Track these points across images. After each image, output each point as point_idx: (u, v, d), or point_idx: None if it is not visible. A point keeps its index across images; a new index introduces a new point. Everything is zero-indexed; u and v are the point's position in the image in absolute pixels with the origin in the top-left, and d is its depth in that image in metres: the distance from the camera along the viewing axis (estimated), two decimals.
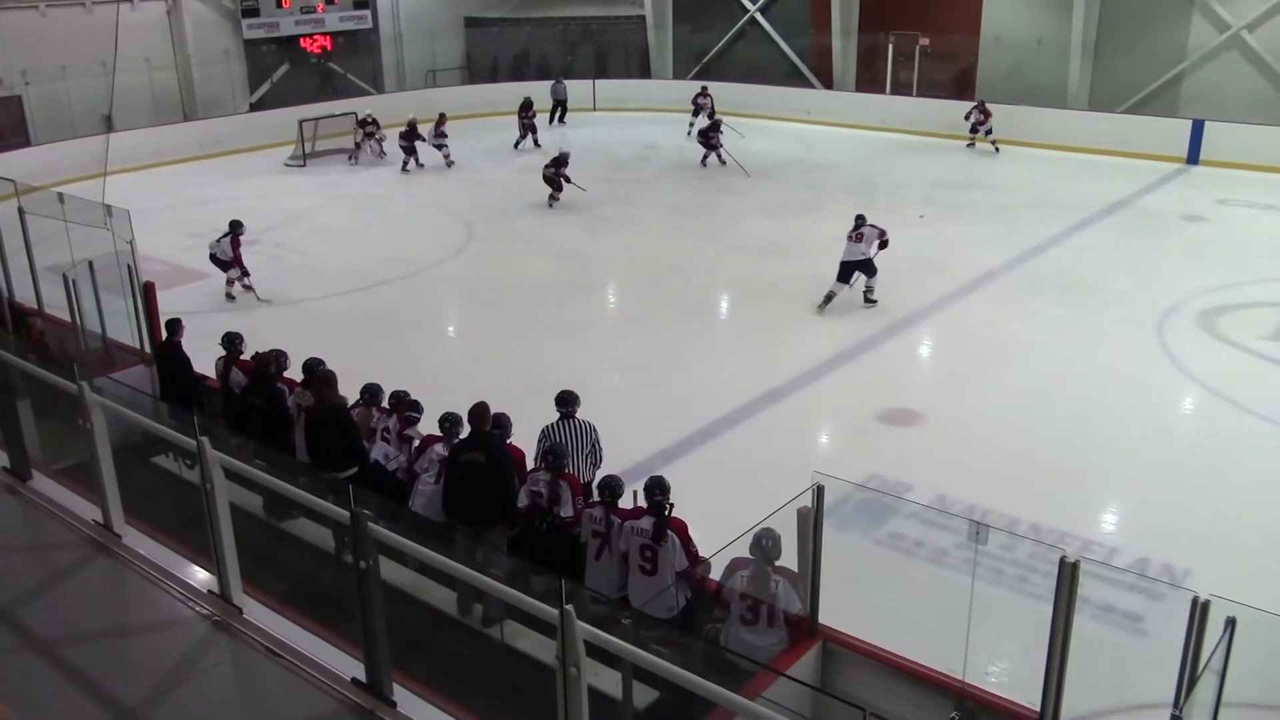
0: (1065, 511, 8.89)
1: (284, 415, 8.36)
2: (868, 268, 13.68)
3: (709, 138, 22.82)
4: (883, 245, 13.74)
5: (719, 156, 22.58)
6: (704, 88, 27.05)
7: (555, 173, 19.40)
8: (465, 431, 7.28)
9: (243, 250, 14.76)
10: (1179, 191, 20.19)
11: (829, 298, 13.68)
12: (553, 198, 19.49)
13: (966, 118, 23.90)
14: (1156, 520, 8.95)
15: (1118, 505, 9.43)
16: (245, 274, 14.81)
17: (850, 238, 13.66)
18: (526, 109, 25.30)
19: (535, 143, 25.05)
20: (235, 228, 14.79)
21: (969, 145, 23.99)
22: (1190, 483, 9.48)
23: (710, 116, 25.26)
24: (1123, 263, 15.79)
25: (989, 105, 23.85)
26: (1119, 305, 13.81)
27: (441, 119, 23.39)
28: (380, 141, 24.12)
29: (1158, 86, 23.99)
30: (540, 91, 27.81)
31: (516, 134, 25.13)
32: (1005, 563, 7.93)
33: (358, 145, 24.05)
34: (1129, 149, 22.64)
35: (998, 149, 23.75)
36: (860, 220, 13.74)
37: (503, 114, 27.72)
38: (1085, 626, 5.31)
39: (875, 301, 13.88)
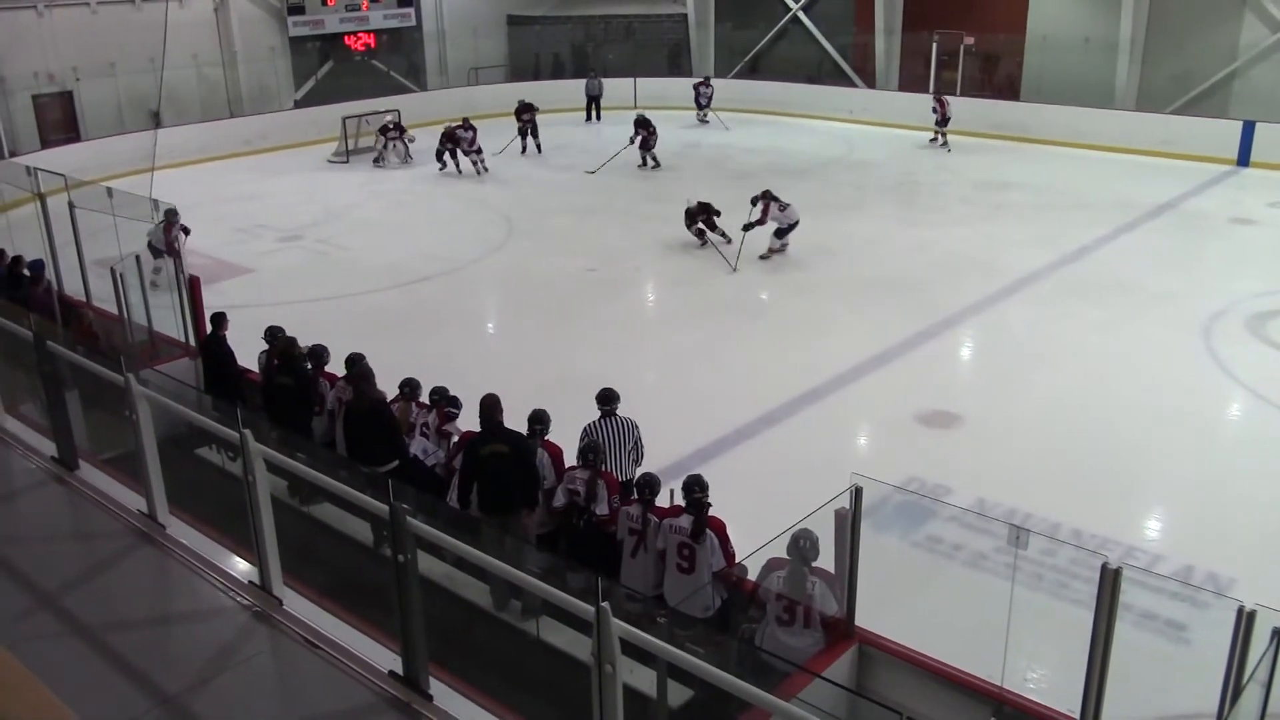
0: (1107, 517, 8.77)
1: (310, 397, 8.61)
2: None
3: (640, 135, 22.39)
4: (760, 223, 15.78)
5: (645, 158, 22.43)
6: (706, 78, 27.36)
7: (697, 215, 16.77)
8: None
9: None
10: (1228, 194, 19.85)
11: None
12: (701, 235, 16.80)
13: (934, 112, 24.02)
14: (1201, 528, 8.81)
15: (1162, 512, 9.30)
16: (164, 259, 13.26)
17: (785, 207, 15.70)
18: (524, 111, 24.43)
19: (537, 147, 24.25)
20: (170, 217, 13.52)
21: (937, 143, 24.05)
22: (1237, 490, 9.31)
23: (706, 105, 26.63)
24: (1169, 265, 15.56)
25: (947, 97, 24.06)
26: (1164, 308, 13.60)
27: (466, 125, 22.80)
28: (409, 143, 23.78)
29: (1208, 87, 23.58)
30: (575, 89, 28.02)
31: (553, 131, 24.68)
32: (1045, 568, 7.84)
33: (382, 149, 23.76)
34: (1177, 150, 22.29)
35: (945, 145, 23.91)
36: (772, 193, 15.82)
37: (545, 111, 27.85)
38: (1127, 634, 5.23)
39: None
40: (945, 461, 9.78)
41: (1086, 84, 24.59)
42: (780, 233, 16.01)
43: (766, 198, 15.85)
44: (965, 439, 10.37)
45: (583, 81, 28.64)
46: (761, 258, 15.90)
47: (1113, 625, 4.60)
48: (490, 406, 7.09)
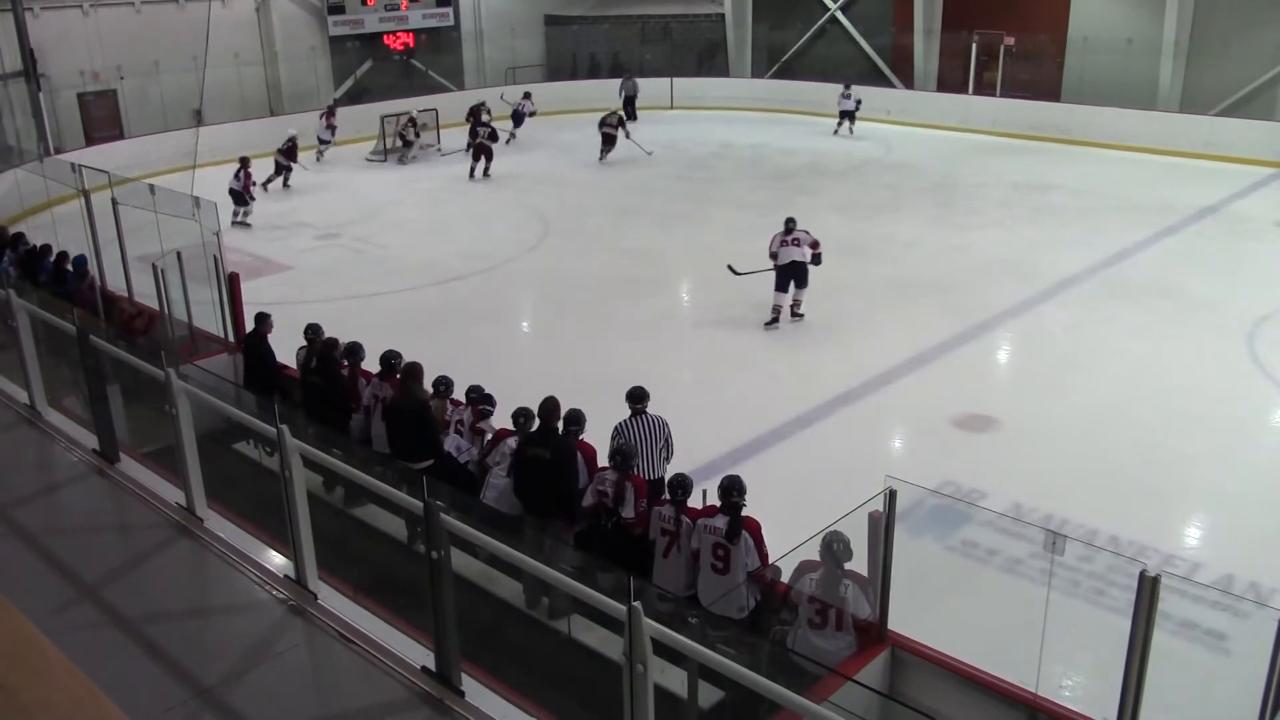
0: (1146, 524, 8.66)
1: (342, 397, 8.64)
2: (803, 278, 13.06)
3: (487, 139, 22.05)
4: (815, 260, 12.99)
5: (484, 169, 22.13)
6: (527, 93, 26.33)
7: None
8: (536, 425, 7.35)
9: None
10: (1274, 197, 19.53)
11: (777, 313, 13.17)
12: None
13: (858, 104, 25.27)
14: (1242, 536, 8.66)
15: (1202, 519, 9.16)
16: (250, 199, 18.56)
17: (785, 242, 12.93)
18: (475, 115, 23.11)
19: (485, 170, 22.68)
20: (244, 163, 18.44)
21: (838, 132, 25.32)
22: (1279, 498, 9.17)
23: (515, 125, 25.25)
24: (1212, 269, 15.34)
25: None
26: (1207, 313, 13.40)
27: (330, 112, 23.72)
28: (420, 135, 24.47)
29: (1253, 88, 23.22)
30: (613, 89, 28.07)
31: (591, 131, 24.13)
32: (1082, 574, 7.75)
33: (408, 143, 24.17)
34: (1222, 153, 21.97)
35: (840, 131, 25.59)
36: (791, 223, 13.11)
37: (580, 111, 27.97)
38: (1165, 643, 5.17)
39: (803, 316, 13.33)
40: (981, 465, 9.70)
41: (1129, 85, 24.30)
42: (784, 278, 12.96)
43: (787, 225, 13.19)
44: (1002, 443, 10.28)
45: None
46: (767, 325, 13.18)
47: (1150, 633, 4.53)
48: (548, 410, 7.19)
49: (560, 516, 7.16)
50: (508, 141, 24.65)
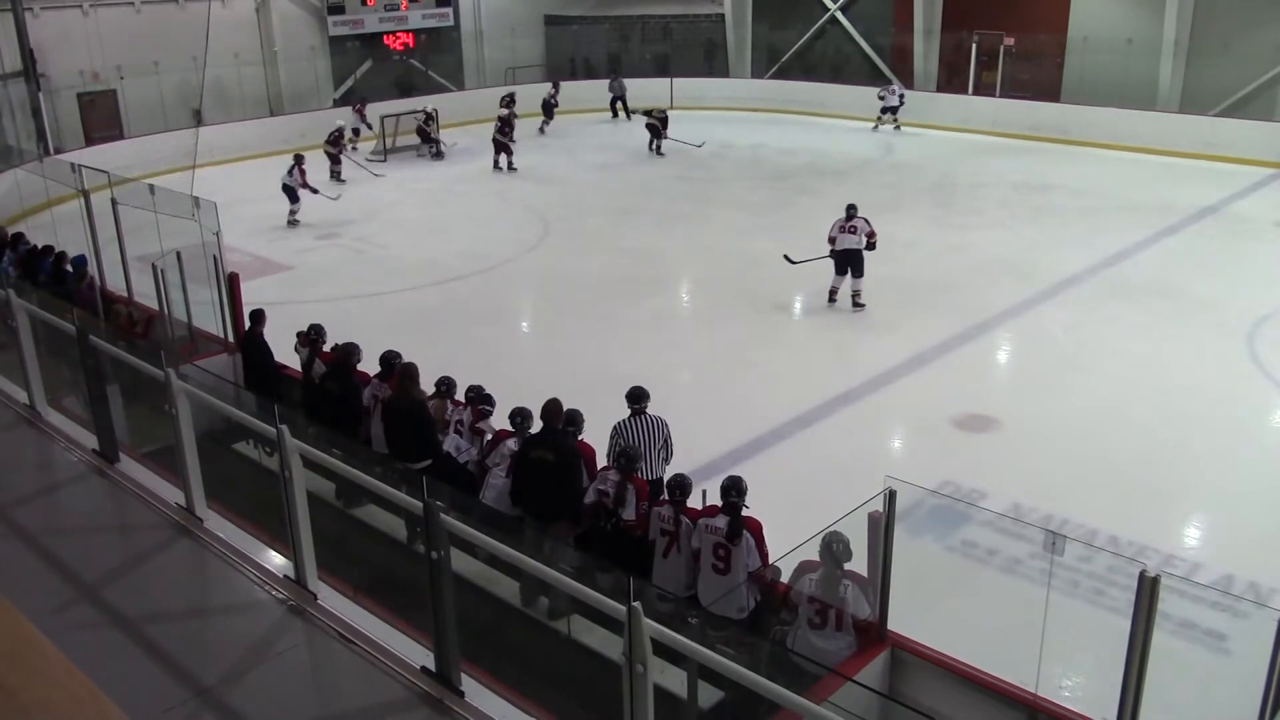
0: (1146, 523, 8.66)
1: (358, 404, 8.55)
2: (858, 266, 13.36)
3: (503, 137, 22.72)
4: (870, 246, 13.31)
5: (508, 162, 22.68)
6: (555, 83, 27.76)
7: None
8: (537, 426, 7.34)
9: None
10: (1273, 197, 19.52)
11: (834, 294, 13.72)
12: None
13: (902, 100, 25.77)
14: (1242, 536, 8.66)
15: (1202, 519, 9.15)
16: (298, 201, 18.33)
17: (844, 229, 13.29)
18: (505, 108, 23.24)
19: (509, 163, 22.76)
20: (298, 160, 18.27)
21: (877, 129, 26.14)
22: (1279, 498, 9.16)
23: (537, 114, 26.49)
24: (1212, 269, 15.34)
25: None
26: (1207, 313, 13.40)
27: (362, 103, 24.56)
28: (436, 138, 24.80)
29: (1253, 89, 23.22)
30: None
31: (590, 131, 24.98)
32: (1082, 575, 7.76)
33: (432, 140, 24.57)
34: (1222, 153, 21.97)
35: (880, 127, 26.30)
36: (852, 210, 13.42)
37: (581, 111, 28.03)
38: (1165, 643, 5.17)
39: (863, 306, 13.57)
40: (981, 465, 9.70)
41: (1128, 85, 24.29)
42: (841, 264, 13.41)
43: (848, 212, 13.46)
44: (1001, 443, 10.27)
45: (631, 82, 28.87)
46: (829, 304, 13.69)
47: (1150, 634, 4.53)
48: (550, 412, 7.18)
49: (564, 519, 7.16)
50: (541, 131, 26.32)
